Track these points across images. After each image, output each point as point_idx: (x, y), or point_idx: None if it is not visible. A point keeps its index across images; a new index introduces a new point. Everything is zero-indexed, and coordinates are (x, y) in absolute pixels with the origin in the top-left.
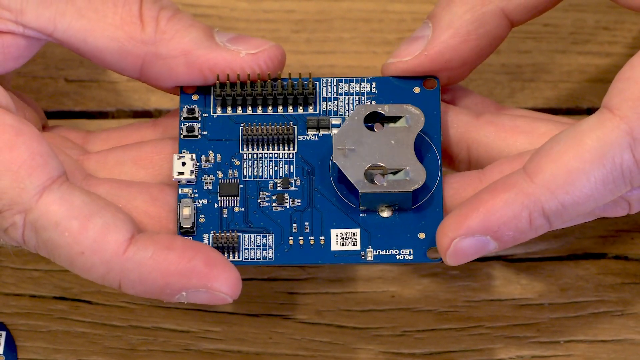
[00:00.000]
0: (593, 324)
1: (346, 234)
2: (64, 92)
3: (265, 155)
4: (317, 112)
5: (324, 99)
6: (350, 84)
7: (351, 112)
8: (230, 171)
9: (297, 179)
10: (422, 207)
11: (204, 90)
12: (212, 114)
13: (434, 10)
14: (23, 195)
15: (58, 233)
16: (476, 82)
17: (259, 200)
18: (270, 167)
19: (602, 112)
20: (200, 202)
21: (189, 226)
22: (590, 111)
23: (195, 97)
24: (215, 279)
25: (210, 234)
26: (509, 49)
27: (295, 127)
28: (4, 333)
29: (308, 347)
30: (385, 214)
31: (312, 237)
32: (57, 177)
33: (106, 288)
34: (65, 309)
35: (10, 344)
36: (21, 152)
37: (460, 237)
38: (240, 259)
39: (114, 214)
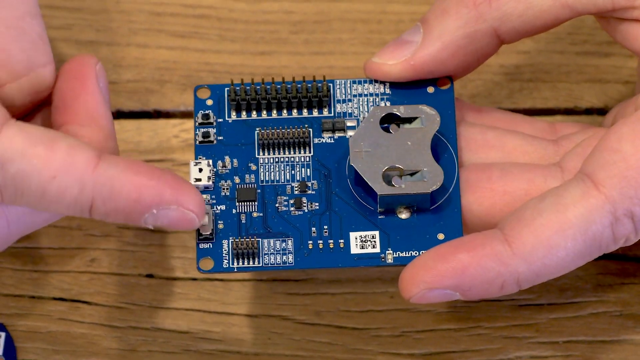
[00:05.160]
0: (592, 324)
1: (365, 237)
2: None
3: (282, 159)
4: (332, 114)
5: (338, 101)
6: (363, 85)
7: (366, 114)
8: (247, 176)
9: (315, 182)
10: (440, 207)
11: (217, 95)
12: (226, 118)
13: (427, 14)
14: None
15: (26, 161)
16: (475, 82)
17: (277, 205)
18: (287, 171)
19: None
20: (219, 208)
21: (208, 233)
22: (588, 111)
23: (209, 102)
24: (187, 194)
25: (230, 240)
26: (507, 50)
27: (311, 130)
28: (3, 334)
29: (307, 347)
30: (404, 215)
31: (331, 241)
32: (10, 118)
33: (106, 289)
34: (65, 309)
35: (9, 345)
36: None
37: (430, 289)
38: (260, 264)
39: (74, 138)
